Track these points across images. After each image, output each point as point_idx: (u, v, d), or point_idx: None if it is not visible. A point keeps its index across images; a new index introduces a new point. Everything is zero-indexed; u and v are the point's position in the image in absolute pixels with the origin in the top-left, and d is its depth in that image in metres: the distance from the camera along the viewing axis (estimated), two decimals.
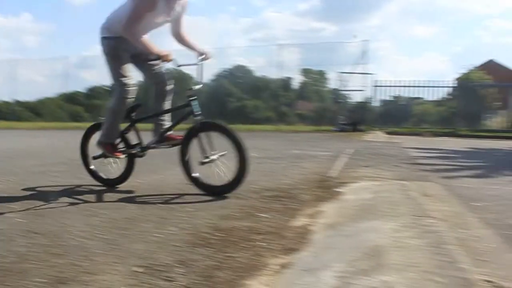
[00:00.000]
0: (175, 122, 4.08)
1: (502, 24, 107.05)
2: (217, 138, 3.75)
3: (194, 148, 3.78)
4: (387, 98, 21.06)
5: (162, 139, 4.05)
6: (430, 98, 20.81)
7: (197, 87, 3.91)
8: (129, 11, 3.55)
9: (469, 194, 3.98)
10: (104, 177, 4.28)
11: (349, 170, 5.14)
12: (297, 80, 28.09)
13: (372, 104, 20.08)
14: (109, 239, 2.49)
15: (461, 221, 2.83)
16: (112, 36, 3.75)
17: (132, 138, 4.14)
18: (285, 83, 27.96)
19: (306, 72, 31.46)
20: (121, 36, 3.66)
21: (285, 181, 4.47)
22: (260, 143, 9.46)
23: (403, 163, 6.09)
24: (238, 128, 16.88)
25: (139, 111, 4.11)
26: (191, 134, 3.81)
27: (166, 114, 4.16)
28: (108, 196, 3.80)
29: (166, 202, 3.54)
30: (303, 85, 29.77)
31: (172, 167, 4.68)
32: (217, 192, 3.69)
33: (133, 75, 3.90)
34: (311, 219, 2.90)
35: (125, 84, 3.77)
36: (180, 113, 4.01)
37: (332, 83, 23.00)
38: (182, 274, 1.98)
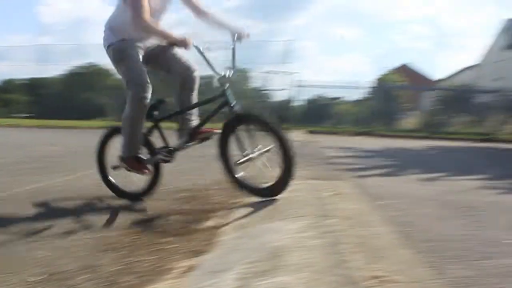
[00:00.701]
0: (206, 117, 3.60)
1: (418, 29, 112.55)
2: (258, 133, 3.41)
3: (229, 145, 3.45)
4: (310, 97, 21.60)
5: (192, 137, 3.56)
6: (351, 98, 21.60)
7: (230, 73, 3.43)
8: (129, 4, 3.16)
9: (377, 192, 4.17)
10: (127, 190, 3.69)
11: (267, 170, 5.22)
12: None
13: (295, 103, 20.52)
14: (4, 248, 2.39)
15: (365, 219, 2.97)
16: (115, 41, 3.39)
17: (156, 140, 3.66)
18: (210, 80, 27.89)
19: (237, 71, 31.47)
20: (124, 38, 3.37)
21: (202, 182, 4.49)
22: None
23: (319, 162, 6.29)
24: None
25: (162, 108, 3.60)
26: (229, 128, 3.39)
27: (193, 109, 3.68)
28: (10, 198, 3.64)
29: (76, 205, 3.44)
30: None
31: (88, 166, 4.55)
32: (264, 195, 3.31)
33: (146, 72, 3.40)
34: (222, 220, 2.93)
35: (138, 84, 3.30)
36: (211, 107, 3.55)
37: (256, 81, 23.20)
38: (86, 281, 1.95)
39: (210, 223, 2.90)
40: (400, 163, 7.32)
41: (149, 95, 3.34)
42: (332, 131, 16.37)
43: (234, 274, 1.78)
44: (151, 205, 3.42)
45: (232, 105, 3.36)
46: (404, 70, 34.59)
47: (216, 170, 5.17)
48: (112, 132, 3.72)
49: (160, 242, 2.47)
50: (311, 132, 15.13)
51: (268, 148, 3.40)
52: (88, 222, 2.91)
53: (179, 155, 3.63)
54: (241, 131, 3.35)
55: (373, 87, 20.12)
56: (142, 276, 1.99)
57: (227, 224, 2.76)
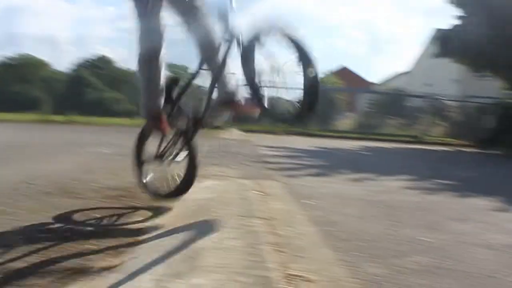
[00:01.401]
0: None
1: (356, 34, 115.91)
2: None
3: None
4: None
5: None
6: (288, 98, 21.86)
7: None
8: None
9: (306, 192, 4.24)
10: (162, 192, 3.28)
11: (200, 168, 5.19)
12: None
13: None
14: None
15: (290, 219, 3.01)
16: None
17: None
18: None
19: (170, 67, 31.09)
20: None
21: (131, 180, 4.39)
22: (115, 138, 9.18)
23: (252, 161, 6.32)
24: (94, 122, 16.16)
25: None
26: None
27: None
28: None
29: None
30: None
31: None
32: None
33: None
34: (146, 219, 2.89)
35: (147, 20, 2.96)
36: None
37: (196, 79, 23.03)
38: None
39: (136, 222, 2.84)
40: (331, 163, 7.49)
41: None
42: (269, 130, 16.50)
43: (150, 276, 1.75)
44: (74, 203, 3.31)
45: None
46: (343, 73, 35.49)
47: None
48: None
49: (84, 243, 2.40)
50: (247, 130, 15.19)
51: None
52: (5, 222, 2.78)
53: (110, 154, 3.54)
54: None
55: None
56: (60, 278, 1.92)
57: (150, 224, 2.72)
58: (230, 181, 4.15)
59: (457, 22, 14.22)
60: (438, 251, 2.55)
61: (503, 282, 2.15)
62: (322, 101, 19.50)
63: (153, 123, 3.20)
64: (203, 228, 2.31)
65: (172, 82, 3.29)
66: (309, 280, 1.88)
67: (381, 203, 3.96)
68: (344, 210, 3.54)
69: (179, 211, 2.92)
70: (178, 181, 3.10)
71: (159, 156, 3.24)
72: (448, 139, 17.34)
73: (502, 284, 2.12)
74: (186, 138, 3.11)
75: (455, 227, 3.20)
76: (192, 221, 2.53)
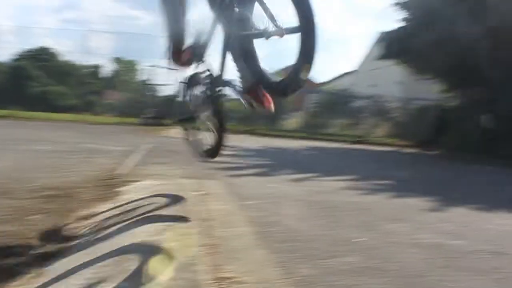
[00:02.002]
0: None
1: None
2: None
3: None
4: None
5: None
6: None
7: None
8: None
9: (247, 192, 4.27)
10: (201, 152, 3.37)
11: (141, 168, 5.12)
12: (107, 68, 27.03)
13: (181, 99, 20.28)
14: None
15: (228, 219, 3.02)
16: None
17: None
18: (95, 70, 26.79)
19: (117, 61, 30.52)
20: None
21: (70, 179, 4.28)
22: (57, 135, 8.93)
23: (196, 160, 6.28)
24: (37, 117, 15.60)
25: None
26: None
27: None
28: None
29: None
30: (114, 74, 28.93)
31: None
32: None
33: None
34: (81, 221, 2.82)
35: None
36: None
37: (143, 74, 22.71)
38: None
39: (69, 223, 2.77)
40: (276, 163, 7.56)
41: None
42: None
43: (75, 280, 1.72)
44: (10, 203, 3.19)
45: None
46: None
47: (90, 167, 5.00)
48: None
49: (13, 246, 2.32)
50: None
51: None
52: None
53: (51, 151, 3.43)
54: None
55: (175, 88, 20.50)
56: None
57: (82, 226, 2.66)
58: (169, 181, 4.12)
59: (401, 25, 14.64)
60: (370, 251, 2.63)
61: (429, 280, 2.24)
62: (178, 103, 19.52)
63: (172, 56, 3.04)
64: (136, 230, 2.28)
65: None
66: (240, 282, 1.90)
67: (320, 204, 4.04)
68: (283, 210, 3.58)
69: (114, 212, 2.87)
70: (210, 143, 3.19)
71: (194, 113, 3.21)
72: (391, 140, 17.82)
73: (427, 283, 2.21)
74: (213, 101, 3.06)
75: (388, 227, 3.31)
76: (125, 223, 2.50)
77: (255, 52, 2.75)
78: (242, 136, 14.48)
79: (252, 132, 16.09)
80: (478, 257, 2.77)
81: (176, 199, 3.16)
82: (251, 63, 2.74)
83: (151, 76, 18.77)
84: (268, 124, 18.11)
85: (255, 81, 2.74)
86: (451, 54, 12.12)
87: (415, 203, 4.54)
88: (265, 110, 2.88)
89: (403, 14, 14.54)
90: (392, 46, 14.60)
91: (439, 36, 12.12)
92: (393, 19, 17.78)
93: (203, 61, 3.03)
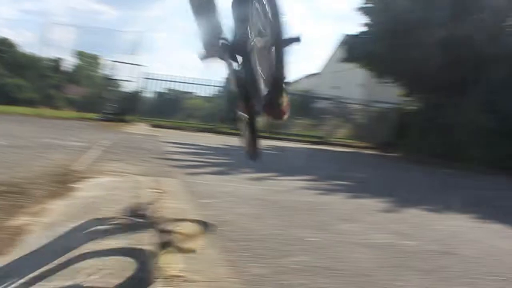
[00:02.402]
0: None
1: None
2: None
3: None
4: (160, 90, 21.30)
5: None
6: (201, 94, 21.72)
7: None
8: None
9: (204, 190, 4.25)
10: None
11: (97, 164, 5.03)
12: (69, 62, 26.41)
13: (144, 95, 20.10)
14: None
15: (184, 218, 3.00)
16: None
17: None
18: (56, 63, 26.17)
19: (80, 54, 29.89)
20: None
21: (23, 174, 4.16)
22: (13, 128, 8.68)
23: (155, 157, 6.23)
24: None
25: None
26: None
27: None
28: None
29: None
30: (76, 68, 28.32)
31: None
32: None
33: None
34: (33, 217, 2.74)
35: None
36: None
37: (106, 69, 22.34)
38: None
39: (20, 220, 2.70)
40: (235, 162, 7.55)
41: None
42: (178, 126, 16.34)
43: (24, 279, 1.67)
44: None
45: None
46: None
47: (45, 163, 4.88)
48: None
49: None
50: (156, 125, 14.96)
51: None
52: None
53: (4, 146, 3.33)
54: None
55: (222, 86, 20.48)
56: None
57: (32, 223, 2.59)
58: (126, 178, 4.07)
59: (363, 29, 14.89)
60: (321, 251, 2.66)
61: (376, 280, 2.28)
62: (234, 99, 19.63)
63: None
64: (86, 227, 2.24)
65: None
66: (189, 280, 1.89)
67: (277, 203, 4.07)
68: (239, 209, 3.59)
69: (66, 209, 2.81)
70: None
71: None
72: (352, 141, 18.12)
73: (374, 282, 2.25)
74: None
75: (341, 227, 3.36)
76: (77, 220, 2.45)
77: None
78: (203, 134, 14.45)
79: (213, 131, 16.06)
80: (427, 256, 2.84)
81: (130, 197, 3.12)
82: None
83: (114, 72, 18.51)
84: (231, 123, 18.08)
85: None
86: (411, 59, 12.41)
87: (370, 204, 4.62)
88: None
89: (365, 19, 14.79)
90: (354, 49, 14.83)
91: (400, 42, 12.39)
92: (357, 23, 18.02)
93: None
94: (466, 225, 4.10)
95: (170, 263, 2.07)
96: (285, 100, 2.62)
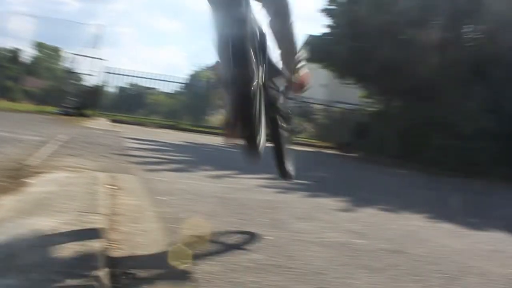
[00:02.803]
0: None
1: None
2: None
3: None
4: (122, 85, 21.04)
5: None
6: (165, 90, 21.56)
7: None
8: None
9: (162, 187, 4.22)
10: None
11: (53, 159, 4.92)
12: (28, 53, 25.74)
13: (105, 90, 19.81)
14: None
15: (137, 215, 2.97)
16: None
17: None
18: (14, 54, 25.50)
19: (39, 46, 29.20)
20: None
21: None
22: None
23: (114, 153, 6.14)
24: None
25: None
26: None
27: None
28: None
29: None
30: (35, 59, 27.67)
31: None
32: None
33: None
34: None
35: None
36: None
37: (66, 62, 21.86)
38: None
39: None
40: (196, 159, 7.53)
41: None
42: (140, 121, 16.16)
43: None
44: None
45: None
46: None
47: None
48: None
49: None
50: (117, 121, 14.75)
51: None
52: None
53: None
54: None
55: (186, 82, 20.42)
56: None
57: None
58: (82, 174, 3.99)
59: (326, 31, 15.09)
60: (275, 249, 2.68)
61: (329, 277, 2.31)
62: (196, 96, 19.49)
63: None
64: (35, 224, 2.19)
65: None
66: (137, 278, 1.88)
67: (234, 201, 4.07)
68: (196, 207, 3.58)
69: (16, 205, 2.73)
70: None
71: None
72: (313, 141, 18.32)
73: (326, 281, 2.28)
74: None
75: (296, 226, 3.39)
76: (26, 216, 2.38)
77: None
78: (165, 131, 14.33)
79: (175, 127, 15.95)
80: (378, 255, 2.90)
81: (85, 193, 3.07)
82: None
83: (74, 65, 18.16)
84: (194, 120, 18.04)
85: None
86: (371, 62, 12.64)
87: (327, 203, 4.68)
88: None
89: (328, 20, 14.99)
90: (317, 50, 14.99)
91: (360, 44, 12.60)
92: (321, 24, 18.23)
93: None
94: (419, 225, 4.20)
95: (119, 260, 2.05)
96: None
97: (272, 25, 2.60)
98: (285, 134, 3.21)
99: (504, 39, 11.16)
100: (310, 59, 16.22)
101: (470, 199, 7.44)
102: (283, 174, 3.24)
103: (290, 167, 3.30)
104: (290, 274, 2.28)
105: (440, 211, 5.01)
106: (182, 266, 2.12)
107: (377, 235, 3.54)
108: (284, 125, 3.17)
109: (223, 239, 2.75)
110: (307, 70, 2.83)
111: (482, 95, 11.72)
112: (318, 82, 23.60)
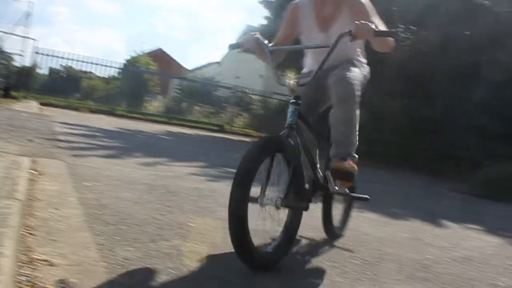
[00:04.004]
0: None
1: (175, 18, 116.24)
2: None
3: None
4: (56, 67, 20.26)
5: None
6: (101, 75, 20.95)
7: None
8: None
9: (88, 173, 4.11)
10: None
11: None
12: None
13: (37, 72, 19.02)
14: None
15: (59, 201, 2.89)
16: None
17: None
18: None
19: None
20: None
21: None
22: None
23: (41, 138, 5.93)
24: None
25: None
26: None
27: None
28: None
29: None
30: None
31: None
32: None
33: None
34: None
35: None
36: None
37: None
38: None
39: None
40: (128, 146, 7.40)
41: None
42: (73, 106, 15.64)
43: None
44: None
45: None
46: (158, 55, 35.21)
47: None
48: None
49: None
50: (48, 104, 14.21)
51: None
52: None
53: None
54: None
55: (123, 68, 19.90)
56: None
57: None
58: (3, 158, 3.83)
59: (264, 22, 15.15)
60: (199, 236, 2.70)
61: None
62: (133, 82, 19.10)
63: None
64: None
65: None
66: (52, 264, 1.84)
67: (163, 188, 4.04)
68: (122, 193, 3.52)
69: None
70: None
71: None
72: (249, 130, 18.43)
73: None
74: None
75: (223, 214, 3.39)
76: None
77: None
78: (98, 116, 13.96)
79: (110, 113, 15.57)
80: (299, 243, 2.99)
81: (4, 177, 2.95)
82: None
83: (2, 43, 17.30)
84: (130, 106, 17.66)
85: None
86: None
87: (258, 191, 4.72)
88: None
89: (266, 12, 15.07)
90: None
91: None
92: (261, 15, 18.30)
93: None
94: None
95: (35, 247, 2.00)
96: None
97: (335, 111, 2.82)
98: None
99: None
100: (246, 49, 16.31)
101: (396, 191, 7.77)
102: (328, 232, 3.24)
103: (339, 227, 3.39)
104: (211, 261, 2.30)
105: (367, 202, 5.18)
106: (99, 253, 2.09)
107: (303, 223, 3.62)
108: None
109: (147, 225, 2.73)
110: (356, 161, 2.87)
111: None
112: (256, 73, 23.75)
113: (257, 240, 2.30)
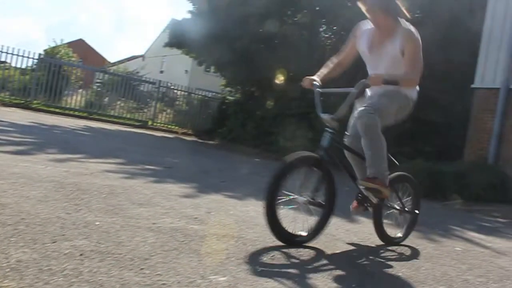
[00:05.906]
0: None
1: (102, 10, 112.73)
2: None
3: None
4: None
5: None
6: (17, 65, 19.82)
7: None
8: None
9: None
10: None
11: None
12: None
13: None
14: None
15: None
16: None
17: None
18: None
19: None
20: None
21: None
22: None
23: None
24: None
25: None
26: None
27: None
28: None
29: None
30: None
31: None
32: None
33: None
34: None
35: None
36: None
37: None
38: None
39: None
40: (42, 141, 7.11)
41: None
42: None
43: None
44: None
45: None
46: (78, 45, 34.01)
47: None
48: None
49: None
50: None
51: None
52: None
53: None
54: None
55: (40, 58, 18.95)
56: None
57: None
58: None
59: (188, 16, 15.05)
60: (103, 235, 2.63)
61: (153, 262, 2.33)
62: (51, 74, 18.31)
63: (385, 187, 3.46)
64: None
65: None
66: None
67: (73, 186, 3.92)
68: (27, 192, 3.37)
69: None
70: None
71: None
72: (173, 127, 18.25)
73: (151, 265, 2.29)
74: None
75: (134, 211, 3.37)
76: None
77: None
78: (12, 110, 13.29)
79: (26, 106, 14.87)
80: (209, 240, 2.99)
81: None
82: None
83: None
84: (48, 99, 16.89)
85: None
86: (230, 51, 12.88)
87: (172, 189, 4.70)
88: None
89: (190, 6, 14.99)
90: (177, 35, 14.94)
91: (221, 33, 12.78)
92: (184, 9, 18.18)
93: None
94: (258, 210, 4.38)
95: None
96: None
97: (362, 139, 3.34)
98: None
99: None
100: (169, 44, 16.10)
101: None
102: (381, 237, 3.78)
103: (396, 235, 3.91)
104: (114, 260, 2.26)
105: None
106: None
107: (213, 220, 3.64)
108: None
109: (49, 225, 2.64)
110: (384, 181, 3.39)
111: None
112: (180, 69, 23.54)
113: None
